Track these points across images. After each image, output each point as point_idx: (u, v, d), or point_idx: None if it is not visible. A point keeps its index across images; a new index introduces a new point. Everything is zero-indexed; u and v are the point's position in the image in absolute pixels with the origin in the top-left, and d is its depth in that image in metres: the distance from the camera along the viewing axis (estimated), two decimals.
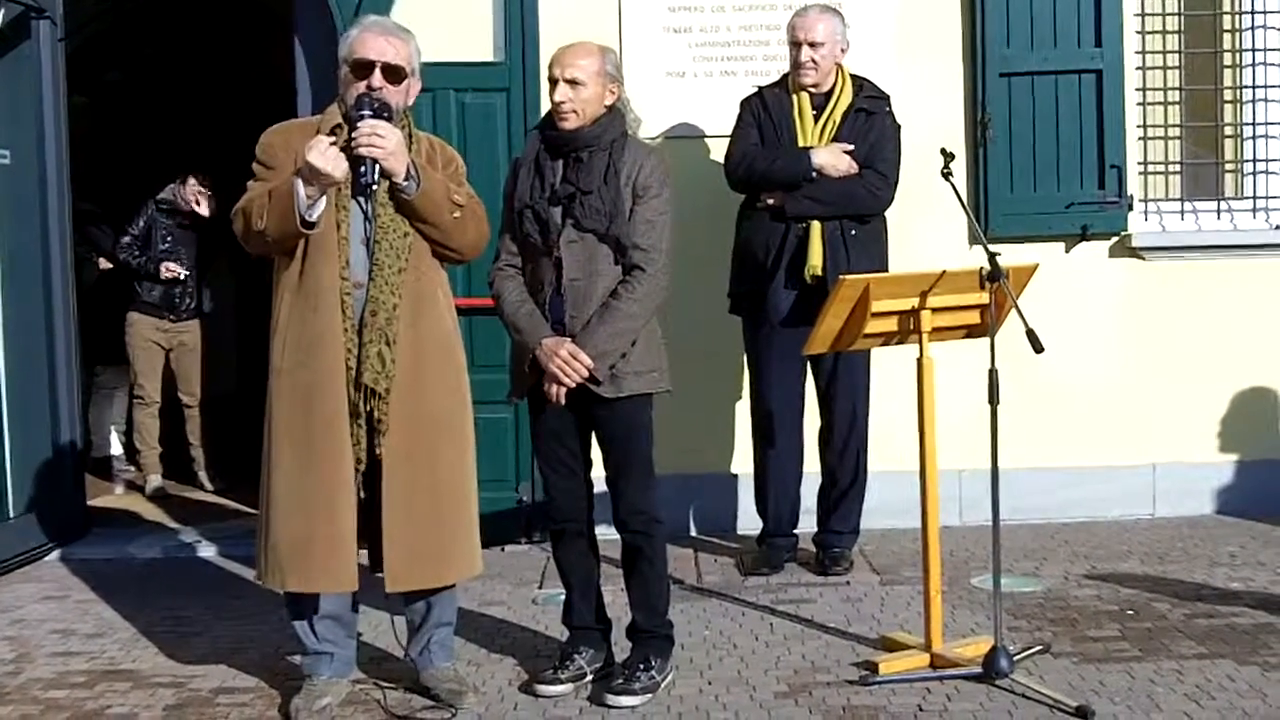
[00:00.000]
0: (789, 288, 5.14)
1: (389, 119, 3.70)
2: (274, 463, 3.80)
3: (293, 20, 6.07)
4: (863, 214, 5.18)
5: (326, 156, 3.60)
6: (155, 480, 7.40)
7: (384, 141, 3.64)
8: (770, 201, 5.17)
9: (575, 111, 3.97)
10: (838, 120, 5.21)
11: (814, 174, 5.12)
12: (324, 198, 3.67)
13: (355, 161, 3.65)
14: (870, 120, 5.23)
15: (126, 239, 7.34)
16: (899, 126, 5.31)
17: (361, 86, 3.75)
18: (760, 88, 5.41)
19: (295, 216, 3.63)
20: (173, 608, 5.09)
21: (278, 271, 3.84)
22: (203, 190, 7.45)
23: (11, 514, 5.77)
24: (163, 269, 7.30)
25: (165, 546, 6.15)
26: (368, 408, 3.74)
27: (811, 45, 5.16)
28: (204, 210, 7.44)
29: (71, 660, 4.53)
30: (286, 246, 3.74)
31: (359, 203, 3.75)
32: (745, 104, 5.37)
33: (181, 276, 7.35)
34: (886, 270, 5.13)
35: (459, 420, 3.93)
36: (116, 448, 8.04)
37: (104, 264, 7.68)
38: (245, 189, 3.85)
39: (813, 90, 5.22)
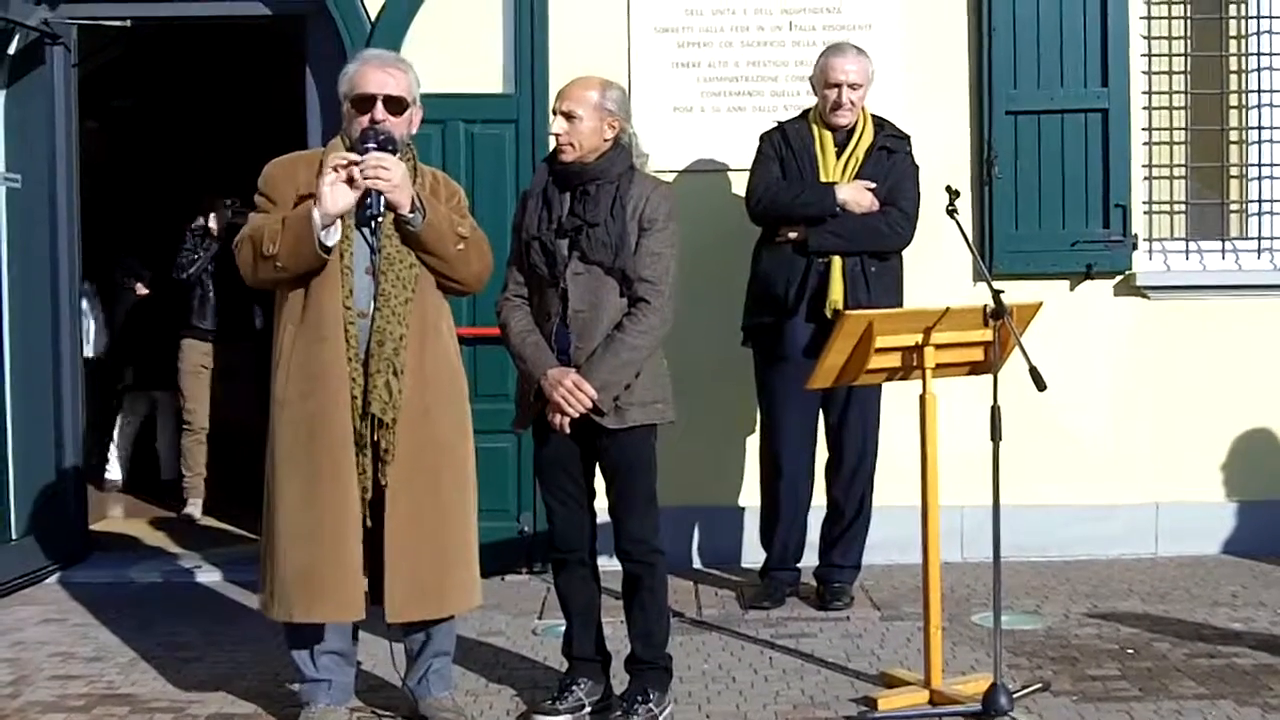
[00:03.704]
0: (808, 321, 5.15)
1: (393, 151, 3.72)
2: (278, 494, 3.80)
3: (305, 47, 6.12)
4: (884, 250, 5.19)
5: (335, 191, 3.61)
6: (196, 506, 7.38)
7: (389, 174, 3.65)
8: (793, 235, 5.18)
9: (571, 144, 3.99)
10: (860, 158, 5.22)
11: (838, 209, 5.14)
12: (339, 223, 3.68)
13: (361, 194, 3.67)
14: (892, 159, 5.25)
15: (184, 259, 7.35)
16: (918, 167, 5.33)
17: (365, 121, 3.77)
18: (780, 122, 5.41)
19: (314, 241, 3.63)
20: (172, 633, 5.08)
21: (279, 303, 3.86)
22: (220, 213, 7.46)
23: (14, 536, 5.77)
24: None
25: (165, 571, 6.15)
26: (375, 438, 3.75)
27: (852, 87, 5.18)
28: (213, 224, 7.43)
29: (70, 684, 4.52)
30: (299, 272, 3.73)
31: (363, 233, 3.77)
32: (766, 138, 5.37)
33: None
34: (902, 306, 5.14)
35: (462, 451, 3.94)
36: (115, 472, 8.07)
37: (141, 290, 7.83)
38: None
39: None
